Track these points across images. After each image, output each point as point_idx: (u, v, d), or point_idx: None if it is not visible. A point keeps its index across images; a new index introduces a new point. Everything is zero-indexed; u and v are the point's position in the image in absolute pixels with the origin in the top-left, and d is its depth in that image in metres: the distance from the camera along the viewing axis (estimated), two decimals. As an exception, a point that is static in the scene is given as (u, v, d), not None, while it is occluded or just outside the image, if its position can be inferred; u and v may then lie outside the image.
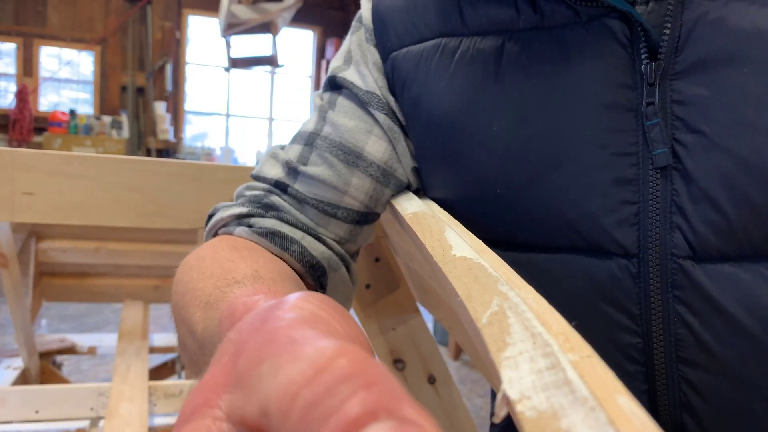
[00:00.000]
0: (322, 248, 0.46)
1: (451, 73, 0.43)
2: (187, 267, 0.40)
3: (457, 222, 0.38)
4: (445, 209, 0.45)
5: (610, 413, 0.15)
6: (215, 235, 0.47)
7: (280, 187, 0.47)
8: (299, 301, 0.19)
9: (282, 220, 0.46)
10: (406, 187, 0.50)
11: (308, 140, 0.48)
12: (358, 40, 0.51)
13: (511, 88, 0.41)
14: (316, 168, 0.46)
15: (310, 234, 0.46)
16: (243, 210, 0.45)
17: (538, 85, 0.40)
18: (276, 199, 0.47)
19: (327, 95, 0.50)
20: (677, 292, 0.37)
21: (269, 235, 0.44)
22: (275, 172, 0.48)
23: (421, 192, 0.51)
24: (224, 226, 0.46)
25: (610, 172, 0.38)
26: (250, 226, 0.45)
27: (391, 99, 0.48)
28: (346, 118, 0.48)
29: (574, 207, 0.39)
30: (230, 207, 0.47)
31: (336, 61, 0.51)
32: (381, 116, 0.47)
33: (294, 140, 0.50)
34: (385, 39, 0.48)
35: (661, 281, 0.37)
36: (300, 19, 5.31)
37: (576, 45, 0.38)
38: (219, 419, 0.17)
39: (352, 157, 0.46)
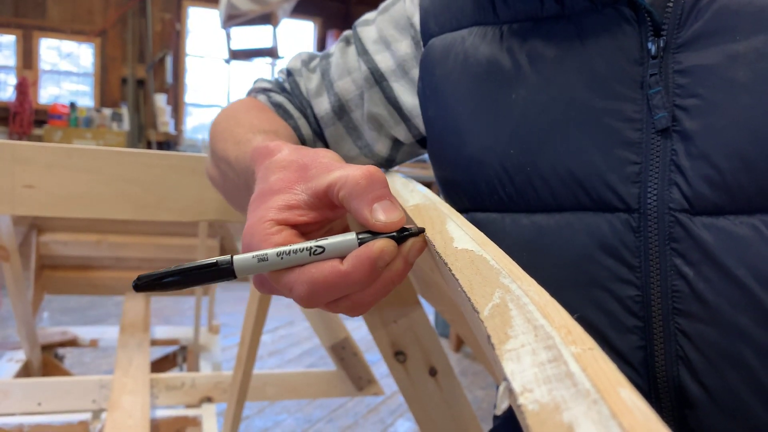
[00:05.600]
0: (310, 131, 0.60)
1: (480, 52, 0.50)
2: (224, 115, 0.56)
3: (458, 214, 0.38)
4: (456, 180, 0.49)
5: (612, 406, 0.15)
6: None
7: (289, 75, 0.62)
8: (334, 153, 0.36)
9: (289, 100, 0.61)
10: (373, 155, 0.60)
11: (323, 57, 0.62)
12: (395, 11, 0.59)
13: (532, 61, 0.46)
14: (310, 79, 0.61)
15: (305, 118, 0.60)
16: (268, 86, 0.63)
17: (557, 60, 0.45)
18: (288, 85, 0.62)
19: (346, 36, 0.62)
20: (674, 245, 0.40)
21: (276, 105, 0.60)
22: (293, 64, 0.63)
23: (414, 182, 0.52)
24: (255, 93, 0.63)
25: (618, 136, 0.42)
26: (268, 97, 0.61)
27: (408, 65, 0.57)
28: (341, 56, 0.60)
29: (583, 165, 0.43)
30: (263, 81, 0.64)
31: (367, 15, 0.62)
32: (364, 68, 0.57)
33: (321, 54, 0.64)
34: (426, 24, 0.55)
35: (659, 234, 0.41)
36: (300, 10, 5.29)
37: (592, 28, 0.44)
38: (297, 194, 0.34)
39: (327, 83, 0.60)
